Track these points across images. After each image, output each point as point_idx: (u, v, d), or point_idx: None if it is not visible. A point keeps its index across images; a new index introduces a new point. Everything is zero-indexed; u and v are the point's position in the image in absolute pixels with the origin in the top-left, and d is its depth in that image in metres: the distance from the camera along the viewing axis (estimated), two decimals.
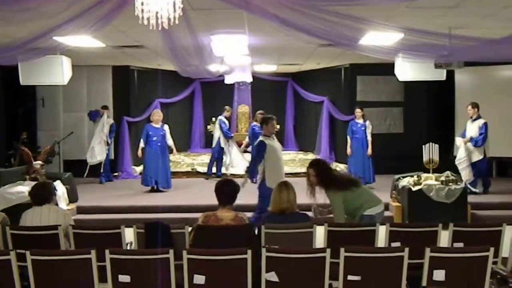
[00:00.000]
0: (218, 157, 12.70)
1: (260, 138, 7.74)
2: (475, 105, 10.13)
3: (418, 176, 8.81)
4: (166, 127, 11.09)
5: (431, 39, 6.24)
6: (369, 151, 11.01)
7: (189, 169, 13.47)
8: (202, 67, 10.00)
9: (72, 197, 9.32)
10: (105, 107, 12.38)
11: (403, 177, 9.19)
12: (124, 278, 4.00)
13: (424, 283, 4.01)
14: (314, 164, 5.89)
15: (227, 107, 13.19)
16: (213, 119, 13.87)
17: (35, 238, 4.95)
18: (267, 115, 8.39)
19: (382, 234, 5.04)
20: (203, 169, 13.19)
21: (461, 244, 4.81)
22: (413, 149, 11.11)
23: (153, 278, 3.97)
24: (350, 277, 3.99)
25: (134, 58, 11.82)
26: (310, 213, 5.44)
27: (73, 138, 12.14)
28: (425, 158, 9.12)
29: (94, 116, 12.43)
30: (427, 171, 9.03)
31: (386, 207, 9.24)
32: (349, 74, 13.60)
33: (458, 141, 10.21)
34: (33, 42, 6.41)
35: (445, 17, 6.86)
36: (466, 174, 9.75)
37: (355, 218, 5.49)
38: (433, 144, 9.18)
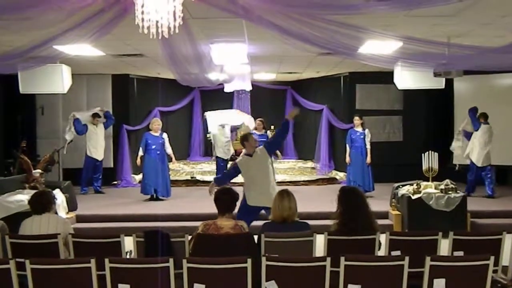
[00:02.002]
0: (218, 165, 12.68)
1: (239, 158, 7.54)
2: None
3: (417, 185, 8.80)
4: (165, 135, 11.10)
5: (430, 47, 6.26)
6: (368, 159, 11.00)
7: (188, 177, 13.46)
8: (202, 75, 10.02)
9: (72, 206, 9.30)
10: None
11: (403, 185, 9.19)
12: (124, 287, 4.00)
13: None
14: (341, 191, 5.31)
15: None
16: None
17: (35, 246, 4.95)
18: (245, 132, 8.18)
19: (382, 242, 5.03)
20: (202, 178, 13.20)
21: (461, 253, 4.81)
22: (412, 157, 11.14)
23: (153, 287, 3.97)
24: (350, 286, 3.99)
25: (134, 66, 11.85)
26: (310, 222, 5.41)
27: (73, 147, 12.12)
28: (424, 166, 9.13)
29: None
30: (426, 179, 9.03)
31: (386, 215, 9.27)
32: (348, 83, 13.63)
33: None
34: (33, 51, 6.42)
35: (444, 26, 6.89)
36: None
37: None
38: (433, 152, 9.19)
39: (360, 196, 5.17)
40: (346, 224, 4.95)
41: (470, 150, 10.87)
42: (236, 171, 7.47)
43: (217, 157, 12.58)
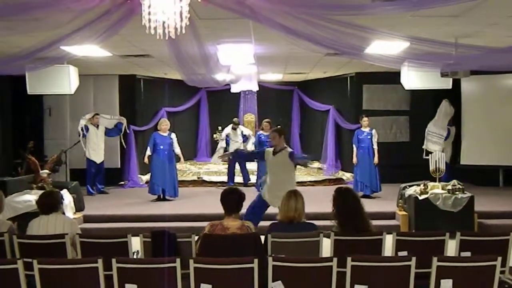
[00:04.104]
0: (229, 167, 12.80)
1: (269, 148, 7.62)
2: None
3: (424, 185, 8.78)
4: (173, 135, 11.13)
5: (437, 48, 6.25)
6: (376, 159, 10.98)
7: (195, 178, 13.47)
8: (209, 76, 10.03)
9: (79, 206, 9.34)
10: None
11: (410, 185, 9.17)
12: (131, 287, 4.01)
13: None
14: (336, 192, 5.34)
15: (234, 119, 13.35)
16: (219, 128, 13.98)
17: (42, 247, 4.96)
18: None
19: (389, 243, 5.03)
20: (209, 178, 13.24)
21: (468, 253, 4.79)
22: (419, 158, 11.11)
23: (159, 287, 3.98)
24: (357, 287, 3.99)
25: (141, 67, 11.88)
26: (317, 222, 5.42)
27: (80, 147, 12.16)
28: (431, 166, 9.10)
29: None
30: (433, 179, 9.01)
31: (393, 216, 9.26)
32: (355, 83, 13.61)
33: None
34: (41, 52, 6.45)
35: (451, 26, 6.88)
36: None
37: None
38: (440, 152, 9.17)
39: (355, 197, 5.21)
40: (344, 225, 4.98)
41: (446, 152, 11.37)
42: (260, 155, 7.59)
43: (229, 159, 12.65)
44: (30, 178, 9.32)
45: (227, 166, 12.96)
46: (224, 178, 13.06)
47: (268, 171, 7.49)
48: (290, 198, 5.12)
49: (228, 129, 13.16)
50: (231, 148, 12.71)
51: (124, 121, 12.60)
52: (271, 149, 7.48)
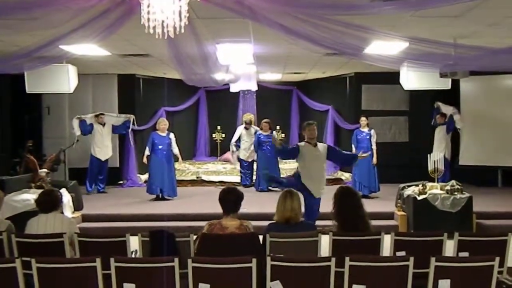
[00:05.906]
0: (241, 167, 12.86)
1: (302, 142, 7.82)
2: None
3: (423, 185, 8.78)
4: (172, 135, 11.11)
5: (436, 48, 6.25)
6: (374, 160, 10.97)
7: (194, 177, 13.46)
8: (208, 75, 10.03)
9: (77, 205, 9.32)
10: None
11: (408, 186, 9.17)
12: (129, 287, 4.01)
13: None
14: (338, 191, 5.38)
15: (245, 118, 13.50)
16: (218, 127, 13.94)
17: (41, 246, 4.96)
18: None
19: (387, 243, 5.03)
20: (208, 178, 13.23)
21: (466, 254, 4.80)
22: (418, 158, 11.12)
23: (158, 287, 3.98)
24: (355, 286, 3.99)
25: (140, 66, 11.87)
26: (316, 222, 5.42)
27: (79, 146, 12.16)
28: (430, 167, 9.11)
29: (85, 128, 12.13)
30: (432, 180, 9.01)
31: (391, 216, 9.26)
32: (354, 83, 13.61)
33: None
34: (40, 51, 6.45)
35: (450, 27, 6.88)
36: None
37: None
38: (438, 153, 9.17)
39: (355, 196, 5.24)
40: (343, 224, 4.99)
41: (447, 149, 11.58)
42: (294, 151, 7.78)
43: (240, 159, 12.67)
44: (29, 177, 9.31)
45: (238, 166, 12.98)
46: (223, 178, 13.08)
47: (308, 164, 7.60)
48: (286, 198, 5.13)
49: (240, 130, 12.97)
50: (242, 147, 12.68)
51: (131, 118, 12.64)
52: (306, 143, 7.66)
